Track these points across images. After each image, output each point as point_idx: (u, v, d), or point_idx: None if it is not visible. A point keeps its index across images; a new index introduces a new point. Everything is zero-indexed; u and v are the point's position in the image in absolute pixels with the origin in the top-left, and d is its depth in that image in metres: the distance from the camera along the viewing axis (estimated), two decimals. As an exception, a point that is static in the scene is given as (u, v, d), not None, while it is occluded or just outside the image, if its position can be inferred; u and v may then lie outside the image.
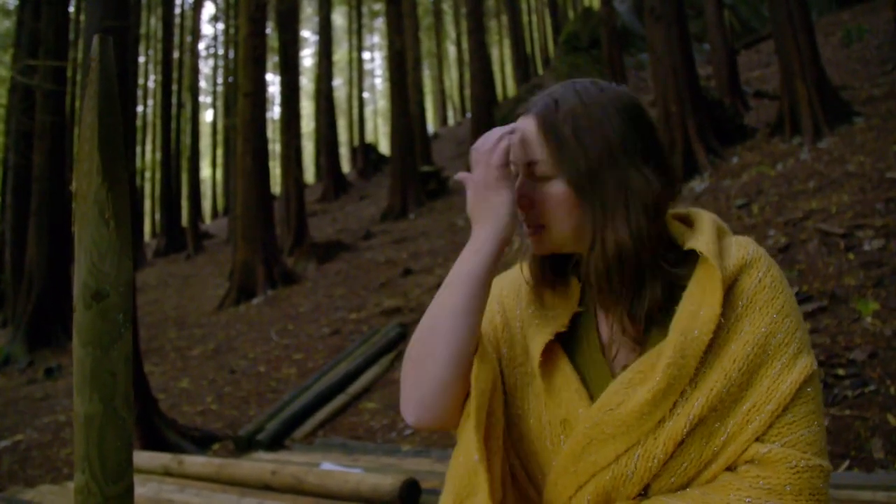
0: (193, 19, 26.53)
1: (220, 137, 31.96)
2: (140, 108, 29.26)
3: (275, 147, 24.94)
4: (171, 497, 3.39)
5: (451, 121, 39.76)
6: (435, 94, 42.62)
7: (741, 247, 0.92)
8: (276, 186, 18.11)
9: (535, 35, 35.57)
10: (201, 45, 32.70)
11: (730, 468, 0.84)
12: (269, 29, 16.52)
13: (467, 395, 0.90)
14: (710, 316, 0.84)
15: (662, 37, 9.12)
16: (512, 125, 0.95)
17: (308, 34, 39.05)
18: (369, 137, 39.48)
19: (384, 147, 36.42)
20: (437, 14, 35.88)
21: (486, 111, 17.93)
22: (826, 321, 4.08)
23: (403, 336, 6.74)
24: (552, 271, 1.00)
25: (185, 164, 24.80)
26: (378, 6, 32.92)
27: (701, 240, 0.89)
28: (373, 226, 14.62)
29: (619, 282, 0.88)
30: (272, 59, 21.18)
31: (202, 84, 32.20)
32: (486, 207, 0.92)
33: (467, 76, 25.93)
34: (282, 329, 8.54)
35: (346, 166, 27.69)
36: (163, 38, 22.20)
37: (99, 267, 0.83)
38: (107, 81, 0.84)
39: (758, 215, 6.09)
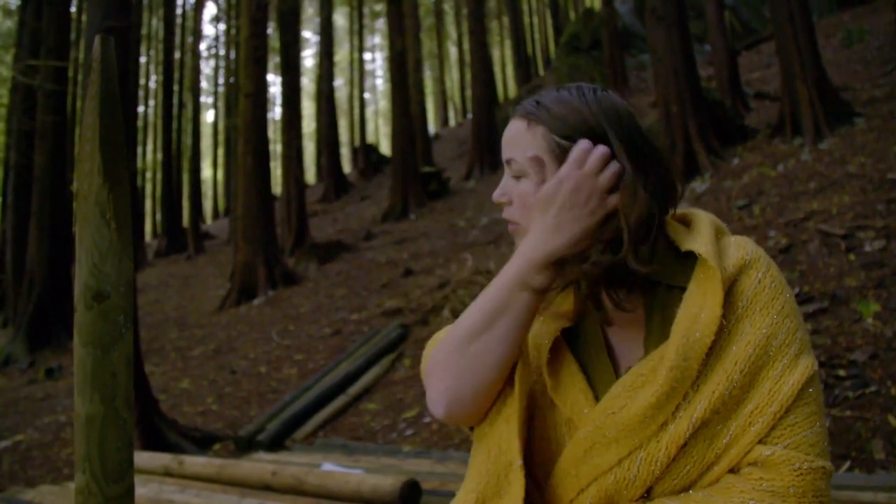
0: (195, 20, 26.55)
1: (221, 138, 31.98)
2: (141, 109, 29.29)
3: (276, 147, 24.92)
4: (172, 497, 3.39)
5: (452, 121, 39.76)
6: (436, 94, 42.62)
7: (740, 247, 0.91)
8: (277, 187, 18.13)
9: (537, 36, 35.58)
10: (202, 46, 32.72)
11: (732, 470, 0.84)
12: (271, 29, 16.52)
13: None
14: (711, 318, 0.83)
15: (664, 38, 9.12)
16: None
17: (309, 35, 39.12)
18: (370, 138, 39.50)
19: (385, 148, 36.42)
20: (439, 15, 35.88)
21: (487, 112, 17.96)
22: (827, 322, 4.08)
23: (404, 337, 6.74)
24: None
25: (186, 165, 24.82)
26: (379, 7, 32.95)
27: (699, 241, 0.89)
28: (374, 226, 14.63)
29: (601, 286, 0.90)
30: (273, 60, 21.16)
31: (203, 84, 32.19)
32: (579, 210, 0.86)
33: (468, 77, 25.92)
34: (282, 329, 8.54)
35: (346, 167, 27.73)
36: (164, 39, 22.22)
37: (100, 267, 0.83)
38: (108, 82, 0.84)
39: (759, 216, 6.09)
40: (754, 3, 18.86)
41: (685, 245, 0.89)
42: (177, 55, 24.83)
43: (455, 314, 6.62)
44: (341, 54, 36.81)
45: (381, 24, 37.64)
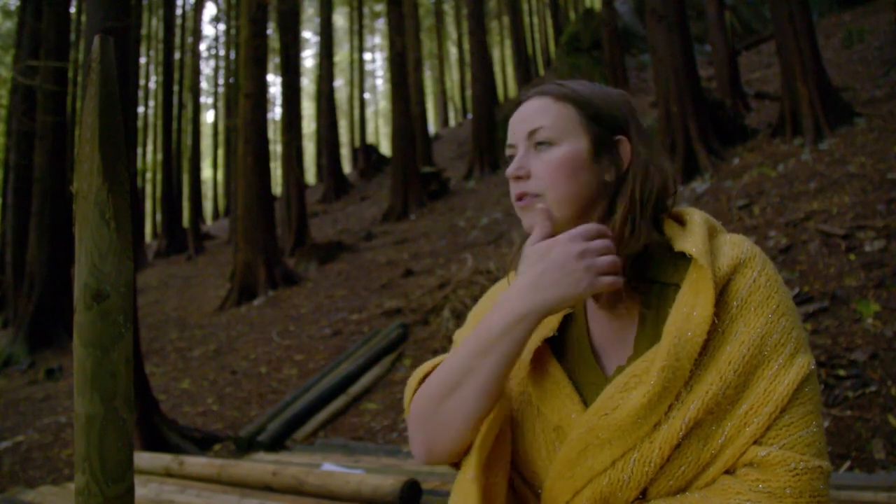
0: (195, 20, 26.57)
1: (221, 138, 32.00)
2: (141, 109, 29.30)
3: (276, 148, 24.95)
4: (172, 498, 3.39)
5: (452, 122, 39.75)
6: (436, 94, 42.62)
7: (735, 246, 0.91)
8: (277, 187, 18.14)
9: (537, 36, 35.58)
10: (202, 46, 32.79)
11: (728, 471, 0.83)
12: (271, 30, 16.54)
13: None
14: (703, 317, 0.83)
15: (664, 38, 9.12)
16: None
17: (309, 35, 39.13)
18: (370, 138, 39.54)
19: (385, 148, 36.46)
20: (439, 15, 35.88)
21: (488, 112, 17.95)
22: (827, 322, 4.08)
23: (405, 337, 6.74)
24: None
25: (186, 165, 24.84)
26: (379, 7, 32.97)
27: (690, 241, 0.89)
28: (374, 227, 14.63)
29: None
30: (273, 60, 21.18)
31: (203, 85, 32.24)
32: (564, 274, 0.84)
33: (468, 77, 25.89)
34: (283, 330, 8.54)
35: (347, 167, 27.74)
36: (164, 39, 22.21)
37: (100, 268, 0.83)
38: (108, 82, 0.84)
39: (759, 216, 6.09)
40: (754, 2, 18.86)
41: (678, 245, 0.90)
42: (177, 55, 24.86)
43: (455, 314, 6.62)
44: (341, 54, 36.83)
45: (381, 24, 37.67)
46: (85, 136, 0.84)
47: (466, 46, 29.46)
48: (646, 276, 0.92)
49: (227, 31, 27.98)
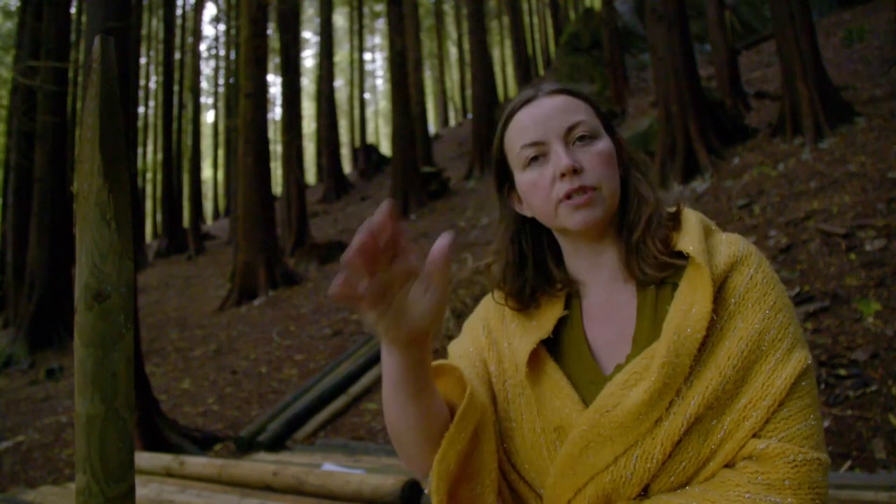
0: (195, 20, 26.59)
1: (221, 138, 32.01)
2: (141, 109, 29.31)
3: (276, 148, 24.93)
4: (173, 498, 3.39)
5: (452, 121, 39.76)
6: (436, 94, 42.62)
7: (731, 244, 0.92)
8: (277, 187, 18.13)
9: (537, 36, 35.59)
10: (203, 47, 32.78)
11: (728, 465, 0.84)
12: (271, 30, 16.53)
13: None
14: (701, 313, 0.84)
15: (664, 37, 9.12)
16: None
17: (309, 35, 39.12)
18: (370, 138, 39.54)
19: (385, 148, 36.46)
20: (439, 15, 35.90)
21: (488, 112, 17.95)
22: (827, 321, 4.08)
23: (405, 337, 6.73)
24: (532, 288, 1.00)
25: (186, 165, 24.85)
26: (379, 7, 32.98)
27: (686, 240, 0.90)
28: (374, 227, 14.60)
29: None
30: (273, 61, 21.17)
31: (203, 85, 32.24)
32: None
33: (468, 77, 25.90)
34: (283, 330, 8.54)
35: (347, 167, 27.72)
36: (164, 39, 22.22)
37: (100, 268, 0.83)
38: (108, 82, 0.84)
39: (759, 216, 6.09)
40: (754, 2, 18.85)
41: (674, 244, 0.92)
42: (177, 56, 24.86)
43: (455, 314, 6.62)
44: (341, 54, 36.83)
45: (381, 24, 37.68)
46: (85, 136, 0.84)
47: (466, 46, 29.48)
48: (644, 275, 0.93)
49: (227, 31, 28.01)
